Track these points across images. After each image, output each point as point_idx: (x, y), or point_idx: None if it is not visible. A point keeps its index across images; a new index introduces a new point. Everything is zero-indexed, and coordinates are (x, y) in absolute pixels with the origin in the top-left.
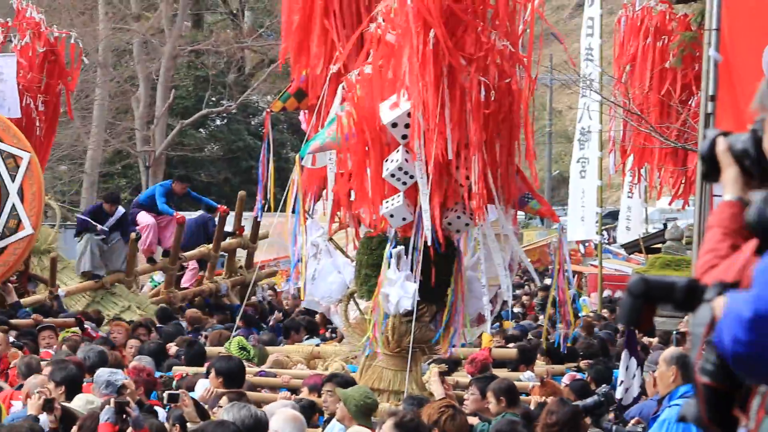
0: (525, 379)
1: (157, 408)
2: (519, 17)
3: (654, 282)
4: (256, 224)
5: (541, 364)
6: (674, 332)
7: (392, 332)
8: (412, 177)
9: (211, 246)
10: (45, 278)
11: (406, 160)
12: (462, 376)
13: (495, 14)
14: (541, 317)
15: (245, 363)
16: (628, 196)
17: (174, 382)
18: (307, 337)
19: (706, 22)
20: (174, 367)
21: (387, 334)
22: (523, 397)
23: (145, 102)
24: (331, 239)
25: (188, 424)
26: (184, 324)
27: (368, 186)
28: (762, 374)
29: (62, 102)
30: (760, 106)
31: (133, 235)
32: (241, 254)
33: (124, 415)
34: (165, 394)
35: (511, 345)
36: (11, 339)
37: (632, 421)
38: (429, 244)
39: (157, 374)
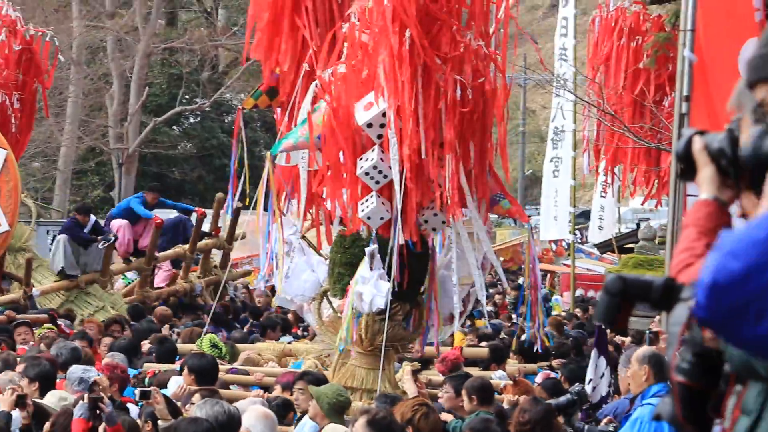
0: (496, 378)
1: (129, 405)
2: (492, 17)
3: (631, 281)
4: (232, 225)
5: (513, 363)
6: (647, 331)
7: (365, 331)
8: (386, 176)
9: (187, 247)
10: (19, 276)
11: (381, 159)
12: (434, 375)
13: (471, 14)
14: (514, 316)
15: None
16: (602, 196)
17: (146, 379)
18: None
19: (681, 23)
20: (145, 364)
21: (360, 332)
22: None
23: (118, 99)
24: (304, 237)
25: (159, 422)
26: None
27: (343, 184)
28: (727, 340)
29: (38, 99)
30: (737, 105)
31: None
32: (216, 253)
33: (98, 411)
34: (137, 391)
35: (483, 344)
36: None
37: (604, 420)
38: (401, 242)
39: (131, 372)
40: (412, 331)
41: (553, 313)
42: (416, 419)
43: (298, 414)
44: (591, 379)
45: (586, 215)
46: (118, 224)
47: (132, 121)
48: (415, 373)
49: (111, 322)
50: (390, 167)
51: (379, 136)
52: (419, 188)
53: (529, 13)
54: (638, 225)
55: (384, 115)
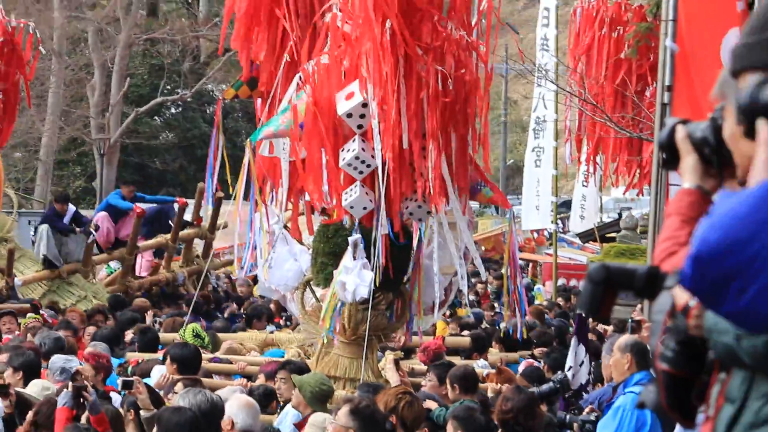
0: (479, 367)
1: (112, 394)
2: (474, 7)
3: (615, 269)
4: (214, 215)
5: (495, 352)
6: (630, 320)
7: (348, 320)
8: (369, 166)
9: (168, 236)
10: (1, 267)
11: (363, 149)
12: (416, 364)
13: (452, 4)
14: (496, 305)
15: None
16: (583, 185)
17: (129, 368)
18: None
19: (662, 13)
20: (128, 354)
21: (343, 321)
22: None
23: (100, 90)
24: (286, 226)
25: (142, 411)
26: None
27: (324, 174)
28: (712, 310)
29: (20, 90)
30: (720, 94)
31: (92, 228)
32: (199, 243)
33: (82, 400)
34: (119, 381)
35: (465, 333)
36: None
37: (587, 409)
38: (384, 233)
39: (114, 361)
40: (395, 321)
41: (536, 302)
42: (400, 407)
43: (281, 403)
44: (570, 367)
45: (567, 205)
46: (98, 216)
47: (113, 111)
48: (397, 362)
49: (94, 312)
50: (373, 156)
51: (359, 126)
52: (402, 178)
53: (510, 3)
54: (620, 214)
55: (364, 105)
